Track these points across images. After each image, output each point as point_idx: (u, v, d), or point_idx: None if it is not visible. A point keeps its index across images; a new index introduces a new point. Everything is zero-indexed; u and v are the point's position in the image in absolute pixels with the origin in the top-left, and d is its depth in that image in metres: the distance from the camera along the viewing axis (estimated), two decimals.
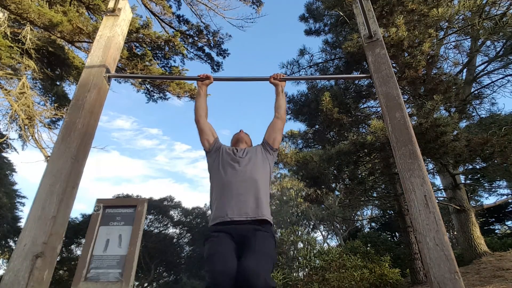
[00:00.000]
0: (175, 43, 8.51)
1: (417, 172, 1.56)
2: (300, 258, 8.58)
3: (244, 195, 1.83)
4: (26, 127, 8.20)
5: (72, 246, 17.23)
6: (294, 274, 8.35)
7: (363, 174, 7.82)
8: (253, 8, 10.35)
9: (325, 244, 19.61)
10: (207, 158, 2.18)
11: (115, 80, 9.02)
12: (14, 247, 1.91)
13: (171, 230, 21.53)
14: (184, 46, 9.29)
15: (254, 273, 1.45)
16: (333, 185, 8.54)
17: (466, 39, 8.02)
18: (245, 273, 1.45)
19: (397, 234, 14.89)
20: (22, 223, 16.25)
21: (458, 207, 7.11)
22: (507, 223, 14.38)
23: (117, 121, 50.70)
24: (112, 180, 52.97)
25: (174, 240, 21.20)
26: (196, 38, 10.04)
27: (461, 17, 6.53)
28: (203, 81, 2.28)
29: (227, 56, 10.33)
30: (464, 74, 8.26)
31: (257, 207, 1.83)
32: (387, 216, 14.61)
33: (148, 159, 55.64)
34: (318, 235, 21.12)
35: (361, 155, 6.95)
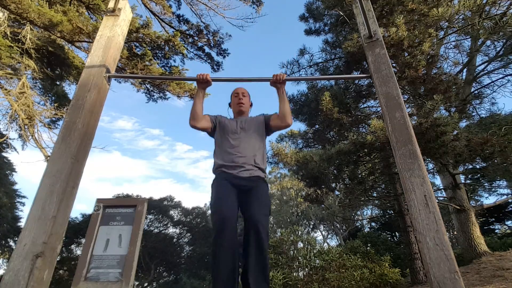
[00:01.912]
0: (175, 43, 8.51)
1: (417, 172, 1.56)
2: (300, 258, 8.58)
3: (244, 159, 2.18)
4: (26, 127, 8.20)
5: (72, 246, 17.24)
6: (294, 274, 8.34)
7: (363, 174, 7.82)
8: (253, 8, 10.36)
9: (325, 244, 19.62)
10: (213, 136, 2.45)
11: (115, 80, 9.03)
12: (14, 247, 1.91)
13: (171, 230, 21.55)
14: (184, 46, 9.28)
15: (256, 219, 1.94)
16: (333, 185, 8.54)
17: (466, 39, 8.03)
18: (251, 218, 1.96)
19: (397, 234, 14.90)
20: (22, 223, 16.25)
21: (458, 207, 7.10)
22: (507, 223, 14.39)
23: (119, 121, 50.72)
24: (113, 181, 52.98)
25: (174, 240, 21.20)
26: (196, 38, 10.04)
27: (461, 17, 6.52)
28: (201, 84, 2.24)
29: (227, 55, 10.33)
30: (464, 74, 8.26)
31: (256, 164, 2.21)
32: (387, 216, 14.61)
33: (150, 160, 55.64)
34: (318, 235, 21.15)
35: (361, 155, 6.95)
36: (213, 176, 2.27)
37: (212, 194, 2.11)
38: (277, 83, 2.22)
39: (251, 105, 2.60)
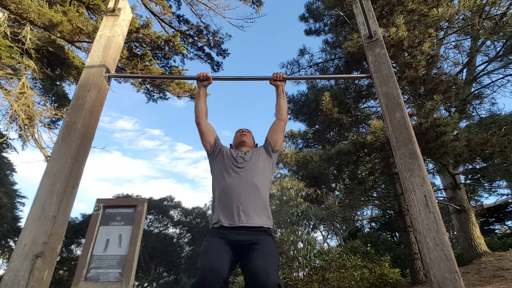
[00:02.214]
0: (175, 43, 8.51)
1: (417, 172, 1.56)
2: (300, 258, 8.57)
3: (244, 203, 1.85)
4: (26, 127, 8.20)
5: (72, 246, 17.24)
6: (294, 274, 8.34)
7: (363, 174, 7.82)
8: (253, 8, 10.36)
9: (325, 244, 19.62)
10: (209, 160, 2.19)
11: (115, 80, 9.03)
12: (14, 247, 1.91)
13: (171, 230, 21.55)
14: (184, 46, 9.29)
15: (264, 272, 1.50)
16: (333, 185, 8.54)
17: (466, 39, 8.03)
18: (256, 272, 1.51)
19: (397, 234, 14.89)
20: (22, 223, 16.25)
21: (458, 207, 7.10)
22: (507, 223, 14.38)
23: (119, 122, 50.77)
24: (113, 181, 53.04)
25: (174, 240, 21.21)
26: (196, 38, 10.04)
27: (461, 17, 6.52)
28: (202, 82, 2.25)
29: (227, 56, 10.33)
30: (464, 74, 8.26)
31: (257, 214, 1.86)
32: (387, 216, 14.61)
33: (150, 160, 55.71)
34: (318, 235, 21.14)
35: (361, 155, 6.95)
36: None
37: (200, 251, 1.78)
38: (276, 80, 2.23)
39: (256, 145, 2.34)
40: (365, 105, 8.89)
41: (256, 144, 2.36)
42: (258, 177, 1.98)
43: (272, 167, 2.15)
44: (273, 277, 1.49)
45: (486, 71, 8.23)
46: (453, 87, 6.19)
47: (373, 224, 16.80)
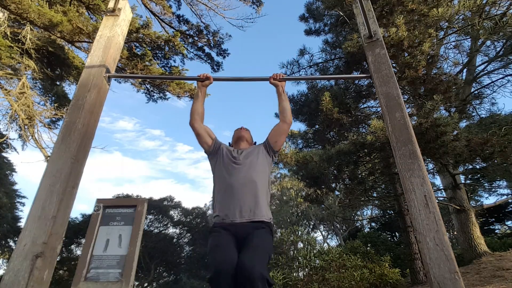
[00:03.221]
0: (175, 43, 8.51)
1: (417, 172, 1.56)
2: (300, 258, 8.57)
3: (244, 199, 1.91)
4: (26, 127, 8.20)
5: (72, 246, 17.23)
6: (294, 274, 8.35)
7: (363, 174, 7.81)
8: (253, 8, 10.36)
9: (325, 244, 19.62)
10: (209, 159, 2.22)
11: (115, 80, 9.03)
12: (14, 247, 1.91)
13: (171, 230, 21.54)
14: (184, 46, 9.29)
15: (250, 264, 1.53)
16: (333, 185, 8.54)
17: (466, 39, 8.02)
18: (242, 266, 1.54)
19: (397, 234, 14.89)
20: (22, 223, 16.25)
21: (458, 207, 7.10)
22: (507, 223, 14.38)
23: (120, 122, 50.82)
24: (114, 181, 53.06)
25: (174, 240, 21.20)
26: (196, 38, 10.04)
27: (461, 17, 6.52)
28: (202, 82, 2.24)
29: (227, 56, 10.33)
30: (464, 74, 8.26)
31: (256, 209, 1.90)
32: (387, 216, 14.61)
33: (150, 160, 55.74)
34: (318, 235, 21.14)
35: (361, 155, 6.95)
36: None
37: (208, 247, 1.85)
38: (276, 80, 2.24)
39: (254, 143, 2.36)
40: (365, 105, 8.89)
41: (255, 142, 2.38)
42: (257, 174, 2.01)
43: (270, 166, 2.19)
44: (258, 268, 1.51)
45: (486, 71, 8.23)
46: (453, 87, 6.19)
47: (373, 224, 16.80)
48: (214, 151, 2.17)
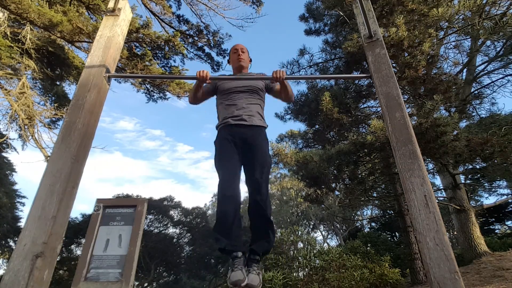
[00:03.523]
0: (175, 43, 8.51)
1: (417, 172, 1.56)
2: (300, 258, 8.58)
3: (247, 109, 2.24)
4: (26, 127, 8.20)
5: (72, 246, 17.21)
6: (294, 274, 8.35)
7: (363, 174, 7.81)
8: (253, 8, 10.35)
9: (325, 244, 19.63)
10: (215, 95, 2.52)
11: (115, 80, 9.03)
12: (14, 247, 1.91)
13: (171, 230, 21.50)
14: (184, 46, 9.28)
15: (263, 204, 2.04)
16: (333, 185, 8.53)
17: (466, 39, 8.03)
18: (256, 201, 2.05)
19: (397, 234, 14.88)
20: (22, 223, 16.24)
21: (458, 207, 7.10)
22: (507, 223, 14.38)
23: (121, 122, 50.82)
24: (114, 181, 53.03)
25: (174, 240, 21.17)
26: (196, 38, 10.04)
27: (461, 17, 6.52)
28: (200, 82, 2.27)
29: (227, 56, 10.32)
30: (464, 74, 8.26)
31: (257, 119, 2.25)
32: (387, 216, 14.61)
33: (151, 160, 55.71)
34: (318, 235, 21.15)
35: (361, 155, 6.95)
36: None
37: (215, 153, 2.21)
38: (277, 81, 2.24)
39: (250, 60, 2.62)
40: (365, 105, 8.89)
41: (250, 59, 2.63)
42: (255, 95, 2.33)
43: (265, 91, 2.49)
44: (269, 209, 2.06)
45: (486, 71, 8.24)
46: (453, 87, 6.19)
47: (373, 224, 16.79)
48: (214, 90, 2.45)
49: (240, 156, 2.16)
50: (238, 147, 2.16)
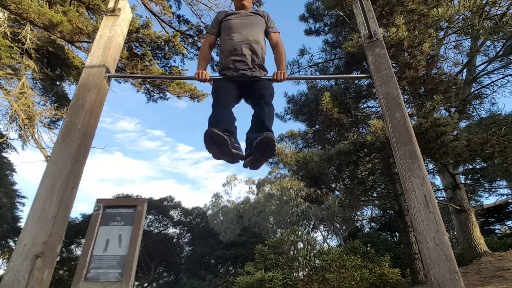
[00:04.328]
0: (175, 43, 8.51)
1: (417, 172, 1.56)
2: (300, 258, 8.58)
3: (248, 49, 2.23)
4: (26, 127, 8.20)
5: (72, 246, 17.21)
6: (294, 274, 8.34)
7: (363, 174, 7.81)
8: (253, 8, 10.35)
9: (325, 244, 19.64)
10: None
11: (115, 80, 9.03)
12: (14, 247, 1.91)
13: (171, 230, 21.51)
14: (184, 46, 9.28)
15: (268, 123, 2.03)
16: (333, 185, 8.53)
17: (466, 39, 8.03)
18: (260, 117, 2.05)
19: (397, 234, 14.88)
20: (22, 223, 16.24)
21: (458, 207, 7.10)
22: (507, 223, 14.38)
23: (121, 122, 50.77)
24: (114, 181, 52.97)
25: (174, 240, 21.18)
26: (196, 38, 10.03)
27: (461, 17, 6.52)
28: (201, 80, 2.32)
29: None
30: (464, 74, 8.26)
31: (257, 60, 2.26)
32: (387, 216, 14.61)
33: (151, 160, 55.63)
34: (318, 235, 21.15)
35: (361, 155, 6.95)
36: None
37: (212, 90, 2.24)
38: (278, 81, 2.27)
39: (253, 2, 2.64)
40: (365, 105, 8.89)
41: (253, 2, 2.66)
42: (257, 27, 2.36)
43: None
44: (271, 120, 2.06)
45: (486, 71, 8.24)
46: (453, 87, 6.19)
47: (373, 224, 16.79)
48: (221, 28, 2.44)
49: (242, 93, 2.26)
50: (240, 85, 2.25)
